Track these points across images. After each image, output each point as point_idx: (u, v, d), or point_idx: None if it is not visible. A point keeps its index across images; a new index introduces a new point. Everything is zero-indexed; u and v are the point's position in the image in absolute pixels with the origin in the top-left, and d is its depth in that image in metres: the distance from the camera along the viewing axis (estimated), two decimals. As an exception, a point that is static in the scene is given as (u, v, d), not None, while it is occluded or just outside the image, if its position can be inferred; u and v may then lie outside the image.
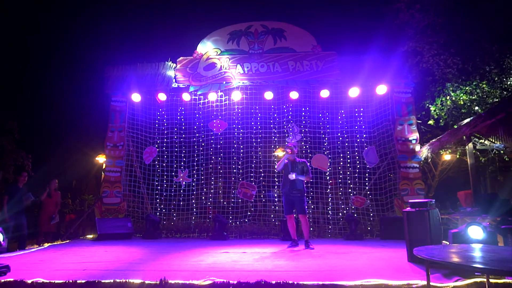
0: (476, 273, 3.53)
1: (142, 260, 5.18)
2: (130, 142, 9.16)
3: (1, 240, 5.80)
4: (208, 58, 9.18)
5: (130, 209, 8.86)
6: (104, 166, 9.04)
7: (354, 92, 8.64)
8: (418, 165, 8.30)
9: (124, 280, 3.62)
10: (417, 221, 4.55)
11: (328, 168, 8.74)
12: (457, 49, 8.99)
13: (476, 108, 8.85)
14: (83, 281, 3.61)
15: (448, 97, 9.38)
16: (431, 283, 3.30)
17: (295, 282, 3.46)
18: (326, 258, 5.15)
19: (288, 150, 6.30)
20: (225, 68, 9.06)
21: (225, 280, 3.58)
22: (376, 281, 3.51)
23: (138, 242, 7.33)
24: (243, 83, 9.06)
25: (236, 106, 9.25)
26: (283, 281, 3.49)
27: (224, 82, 9.05)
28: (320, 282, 3.47)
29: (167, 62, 9.26)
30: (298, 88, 8.83)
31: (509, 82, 8.66)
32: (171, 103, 9.41)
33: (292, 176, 6.11)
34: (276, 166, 6.59)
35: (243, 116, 9.22)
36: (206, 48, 9.25)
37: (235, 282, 3.52)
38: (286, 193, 6.29)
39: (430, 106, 9.88)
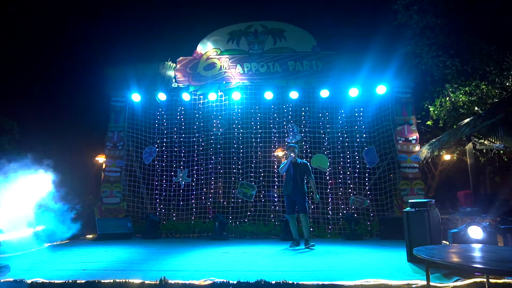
0: (476, 273, 3.53)
1: (142, 260, 5.18)
2: (130, 142, 9.16)
3: (1, 240, 5.80)
4: (208, 58, 9.18)
5: (130, 209, 8.86)
6: (104, 166, 9.04)
7: (354, 92, 8.64)
8: (418, 165, 8.30)
9: (124, 280, 3.62)
10: (417, 221, 4.55)
11: (328, 168, 8.74)
12: (456, 50, 8.99)
13: (476, 108, 8.86)
14: (83, 281, 3.61)
15: (447, 98, 9.39)
16: (431, 283, 3.30)
17: (295, 282, 3.47)
18: (326, 258, 5.16)
19: (292, 154, 6.38)
20: (225, 68, 9.07)
21: (225, 280, 3.58)
22: (376, 281, 3.52)
23: (138, 242, 7.33)
24: (243, 83, 9.06)
25: (236, 106, 9.25)
26: (283, 281, 3.49)
27: (224, 82, 9.06)
28: (320, 282, 3.47)
29: (167, 62, 9.26)
30: (298, 88, 8.83)
31: (507, 83, 8.66)
32: (171, 103, 9.41)
33: (317, 199, 6.50)
34: (279, 169, 6.72)
35: (243, 116, 9.22)
36: (206, 48, 9.25)
37: (235, 282, 3.52)
38: (288, 194, 6.38)
39: (429, 106, 9.89)
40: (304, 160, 6.85)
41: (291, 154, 6.40)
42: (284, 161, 6.78)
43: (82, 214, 8.07)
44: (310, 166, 6.79)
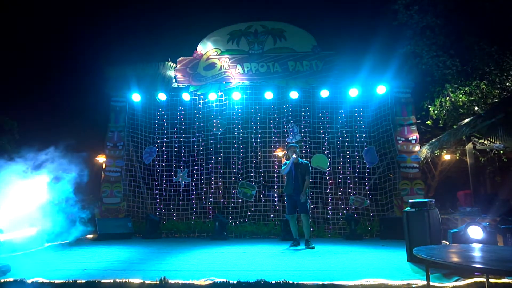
0: (475, 273, 3.54)
1: (142, 260, 5.18)
2: (130, 142, 9.16)
3: (1, 240, 5.80)
4: (208, 58, 9.18)
5: (130, 209, 8.86)
6: (104, 166, 9.04)
7: (354, 92, 8.64)
8: (417, 165, 8.30)
9: (124, 280, 3.62)
10: (417, 221, 4.56)
11: (328, 168, 8.74)
12: (456, 50, 8.99)
13: (476, 108, 8.86)
14: (83, 281, 3.62)
15: (447, 98, 9.39)
16: (431, 283, 3.31)
17: (295, 282, 3.47)
18: (326, 258, 5.16)
19: (294, 155, 6.40)
20: (225, 68, 9.07)
21: (225, 280, 3.59)
22: (376, 281, 3.52)
23: (138, 242, 7.33)
24: (243, 83, 9.06)
25: (236, 106, 9.25)
26: (283, 281, 3.50)
27: (224, 82, 9.06)
28: (320, 282, 3.47)
29: (167, 62, 9.26)
30: (298, 88, 8.83)
31: (507, 83, 8.66)
32: (171, 103, 9.40)
33: (303, 198, 6.31)
34: (281, 170, 6.75)
35: (243, 116, 9.22)
36: (206, 48, 9.25)
37: (235, 282, 3.53)
38: (289, 194, 6.40)
39: (429, 106, 9.89)
40: (305, 160, 6.87)
41: (293, 156, 6.41)
42: (284, 161, 6.79)
43: (91, 215, 8.10)
44: (310, 166, 6.80)
